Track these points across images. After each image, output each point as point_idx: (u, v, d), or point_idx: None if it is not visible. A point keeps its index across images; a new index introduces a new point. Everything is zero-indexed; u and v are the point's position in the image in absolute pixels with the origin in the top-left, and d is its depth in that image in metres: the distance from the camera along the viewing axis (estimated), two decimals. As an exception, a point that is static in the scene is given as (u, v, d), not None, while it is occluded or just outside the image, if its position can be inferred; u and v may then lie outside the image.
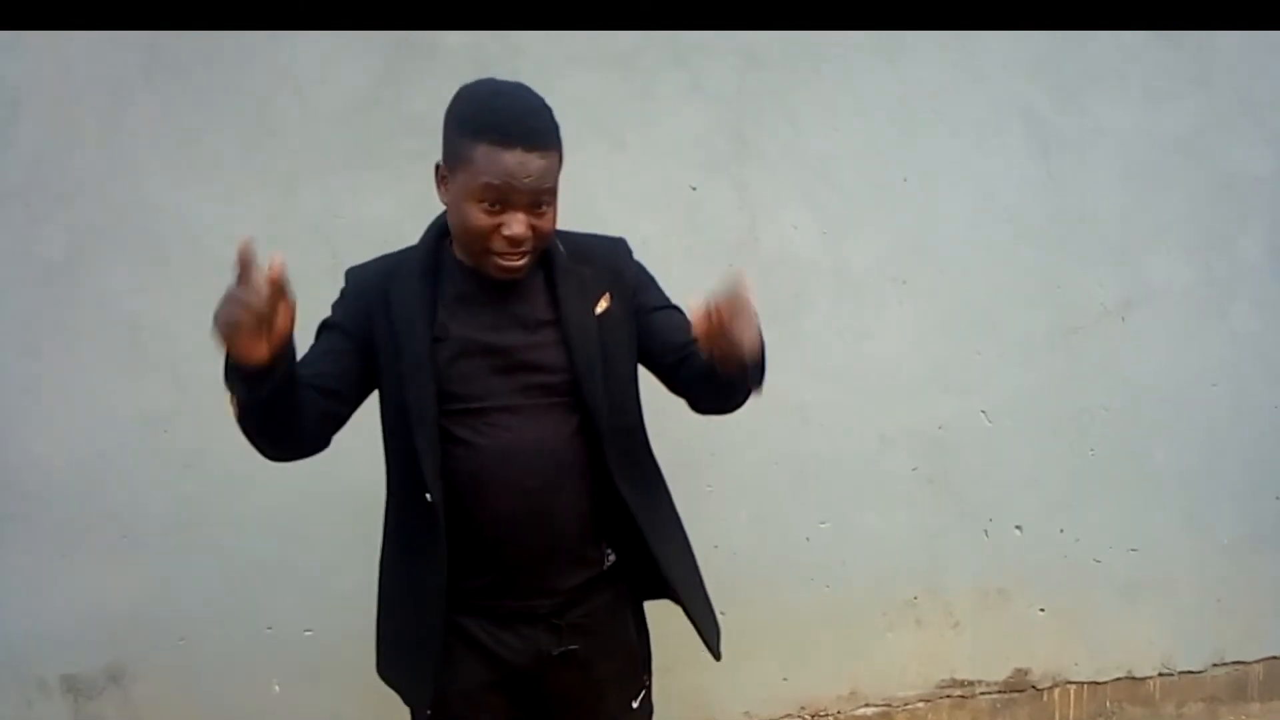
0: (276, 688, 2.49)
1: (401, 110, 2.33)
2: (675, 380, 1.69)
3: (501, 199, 1.46)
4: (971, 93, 2.56)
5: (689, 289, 2.48)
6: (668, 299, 1.74)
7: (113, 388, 2.36)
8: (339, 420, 1.59)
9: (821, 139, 2.53)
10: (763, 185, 2.53)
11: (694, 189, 2.50)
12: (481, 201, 1.46)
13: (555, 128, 1.53)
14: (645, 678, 1.76)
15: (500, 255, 1.50)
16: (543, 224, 1.50)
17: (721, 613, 2.56)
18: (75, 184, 2.30)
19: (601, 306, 1.62)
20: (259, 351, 1.28)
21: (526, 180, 1.45)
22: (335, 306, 1.63)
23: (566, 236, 1.64)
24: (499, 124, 1.46)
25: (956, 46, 2.54)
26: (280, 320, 1.29)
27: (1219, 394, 2.77)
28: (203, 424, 2.35)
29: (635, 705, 1.73)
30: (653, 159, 2.48)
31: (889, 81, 2.53)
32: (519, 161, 1.44)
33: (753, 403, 2.56)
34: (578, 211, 2.40)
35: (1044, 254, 2.65)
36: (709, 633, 1.75)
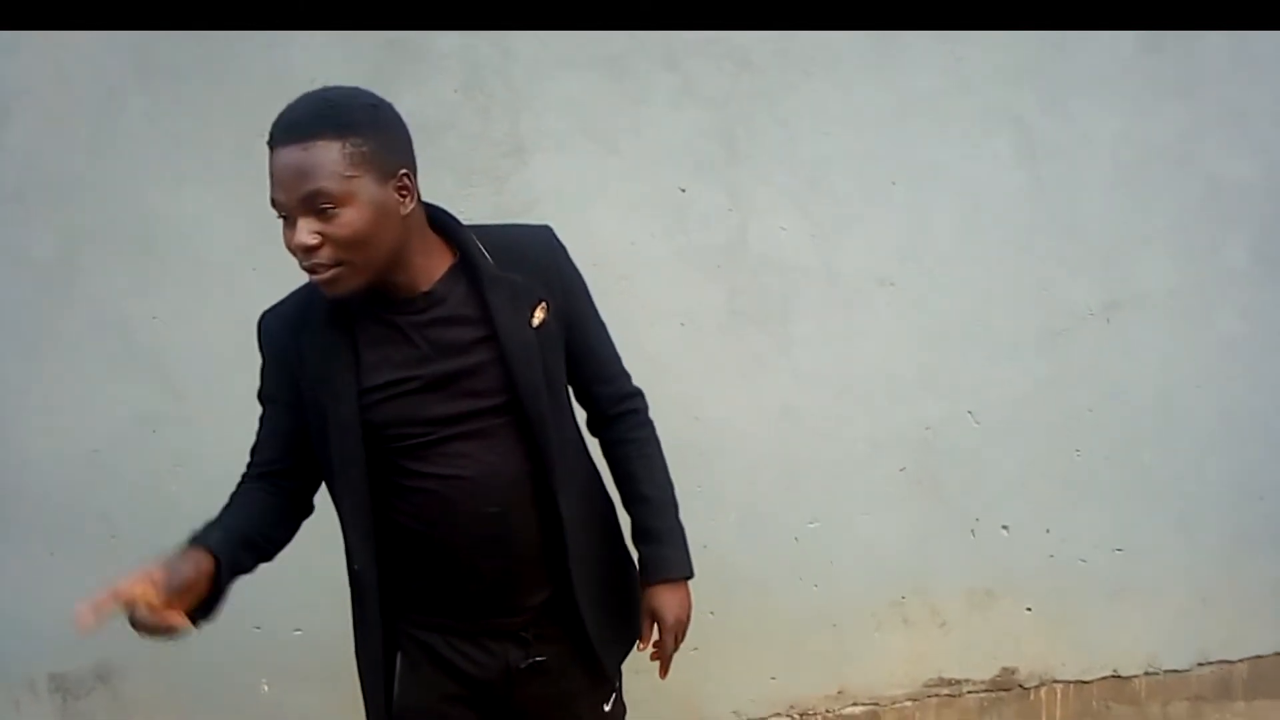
0: (265, 687, 2.49)
1: (393, 112, 2.33)
2: (584, 406, 1.72)
3: (280, 209, 1.34)
4: (960, 98, 2.57)
5: (678, 291, 2.52)
6: (592, 305, 1.66)
7: (104, 389, 2.36)
8: (315, 485, 1.57)
9: (811, 143, 2.54)
10: (753, 188, 2.54)
11: (684, 191, 2.51)
12: (279, 218, 1.36)
13: (335, 113, 1.34)
14: (615, 679, 1.73)
15: (309, 270, 1.36)
16: (336, 231, 1.32)
17: (710, 612, 2.60)
18: (68, 186, 2.31)
19: (538, 318, 1.51)
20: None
21: (281, 173, 1.31)
22: (261, 370, 1.56)
23: (487, 235, 1.52)
24: (271, 128, 1.36)
25: (945, 52, 2.55)
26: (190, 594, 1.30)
27: (1205, 396, 2.79)
28: (192, 425, 2.35)
29: (607, 708, 1.71)
30: (643, 161, 2.49)
31: (879, 86, 2.54)
32: (275, 158, 1.33)
33: (742, 403, 2.60)
34: (568, 213, 2.42)
35: (1031, 258, 2.66)
36: (607, 660, 1.67)
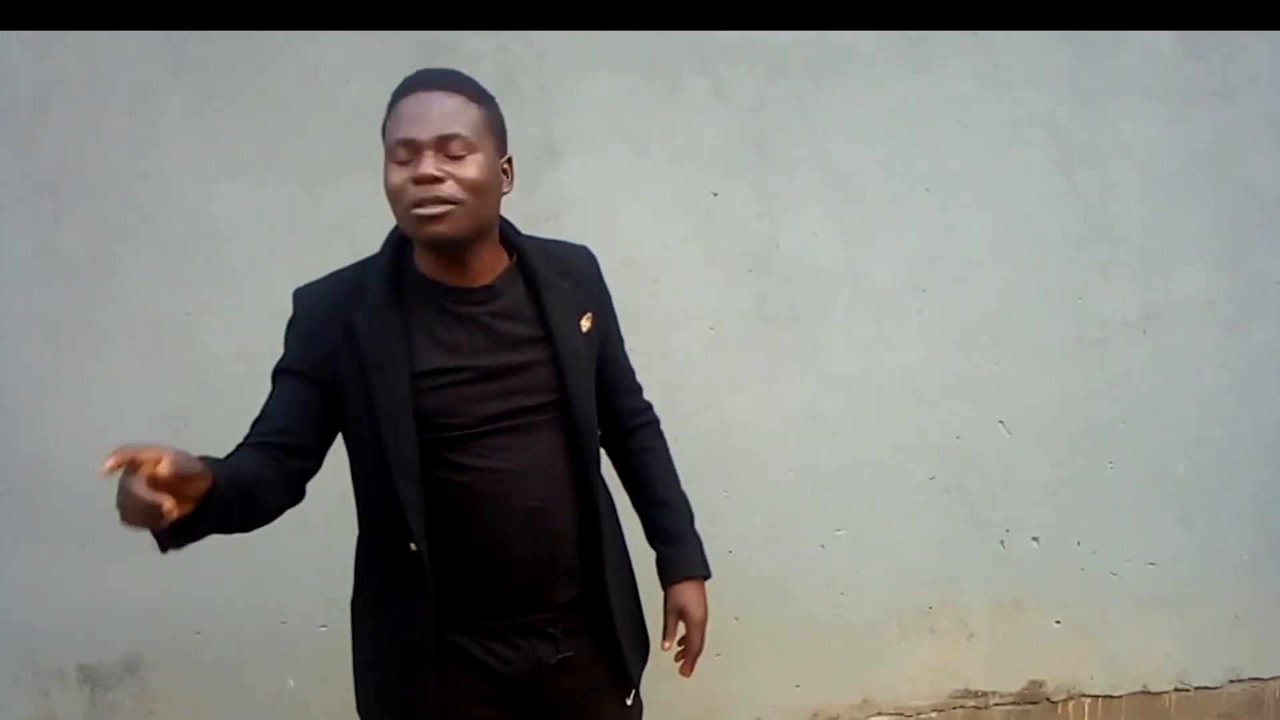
0: (290, 682, 2.50)
1: (425, 112, 2.34)
2: (602, 418, 1.69)
3: (408, 145, 1.39)
4: (994, 103, 2.55)
5: (708, 294, 2.51)
6: (618, 323, 1.72)
7: (134, 383, 2.38)
8: (313, 471, 1.54)
9: (843, 147, 2.53)
10: (784, 193, 2.53)
11: (715, 195, 2.51)
12: (395, 160, 1.41)
13: (472, 82, 1.47)
14: (638, 677, 1.72)
15: (417, 206, 1.39)
16: (463, 172, 1.39)
17: (735, 618, 2.59)
18: (101, 181, 2.32)
19: (585, 325, 1.58)
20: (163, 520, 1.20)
21: (424, 113, 1.39)
22: (288, 343, 1.54)
23: (535, 244, 1.59)
24: (404, 82, 1.45)
25: (980, 57, 2.53)
26: (183, 492, 1.21)
27: (1239, 408, 2.75)
28: (222, 420, 2.32)
29: (629, 703, 1.71)
30: (675, 164, 2.48)
31: (912, 91, 2.53)
32: (416, 100, 1.41)
33: (770, 408, 2.59)
34: (599, 216, 2.42)
35: (1065, 266, 2.64)
36: (632, 664, 1.67)
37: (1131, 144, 2.62)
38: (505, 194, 1.50)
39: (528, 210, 2.38)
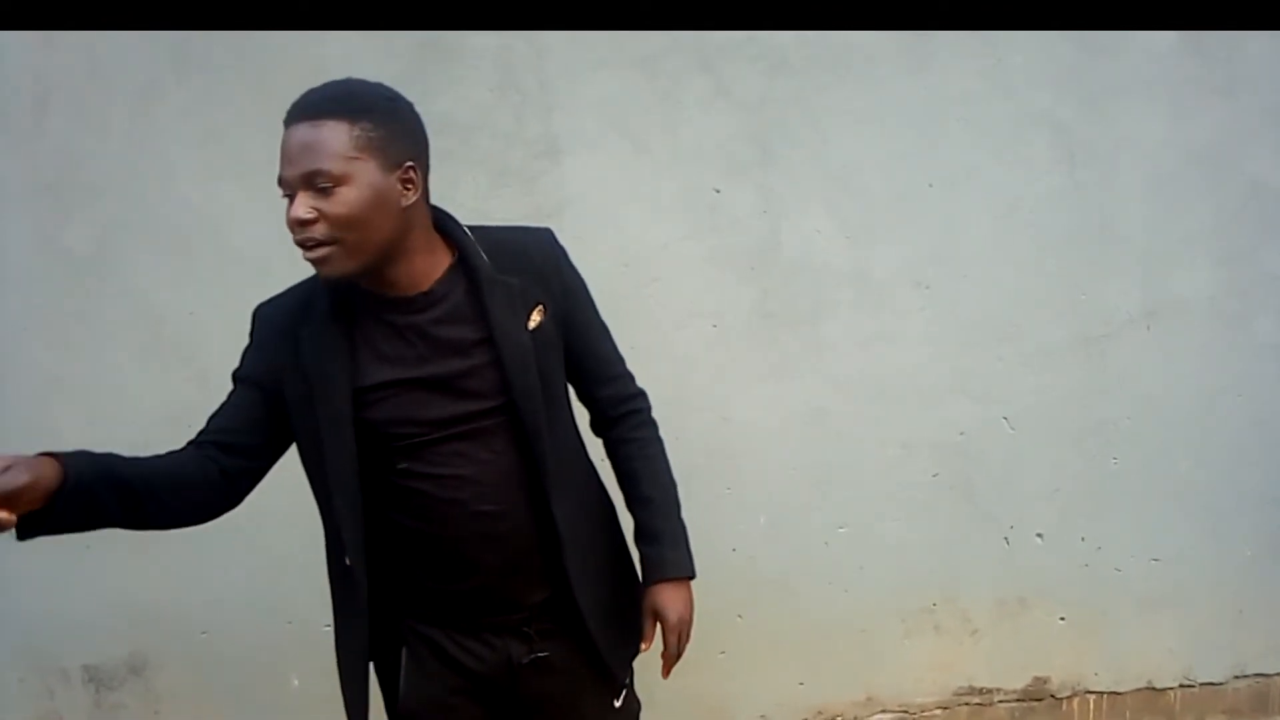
0: (295, 682, 2.50)
1: (426, 110, 2.31)
2: (587, 408, 1.71)
3: (285, 186, 1.36)
4: (997, 100, 2.55)
5: (710, 292, 2.51)
6: (594, 308, 1.66)
7: (137, 381, 2.38)
8: (255, 474, 1.55)
9: (845, 145, 2.52)
10: (786, 190, 2.52)
11: (717, 192, 2.50)
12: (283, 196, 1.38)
13: (350, 95, 1.39)
14: (624, 676, 1.72)
15: (301, 248, 1.37)
16: (332, 209, 1.34)
17: (738, 616, 2.59)
18: (103, 178, 2.33)
19: (535, 321, 1.52)
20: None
21: (288, 150, 1.35)
22: (244, 353, 1.56)
23: (488, 237, 1.53)
24: (287, 112, 1.39)
25: (983, 54, 2.53)
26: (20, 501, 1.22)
27: (1243, 404, 2.75)
28: (226, 419, 2.37)
29: (617, 704, 1.70)
30: (676, 162, 2.48)
31: (914, 88, 2.52)
32: (286, 136, 1.36)
33: (773, 406, 2.59)
34: (600, 214, 2.42)
35: (1068, 262, 2.63)
36: (614, 663, 1.67)
37: (1134, 141, 2.61)
38: (408, 205, 1.41)
39: (529, 208, 2.40)
